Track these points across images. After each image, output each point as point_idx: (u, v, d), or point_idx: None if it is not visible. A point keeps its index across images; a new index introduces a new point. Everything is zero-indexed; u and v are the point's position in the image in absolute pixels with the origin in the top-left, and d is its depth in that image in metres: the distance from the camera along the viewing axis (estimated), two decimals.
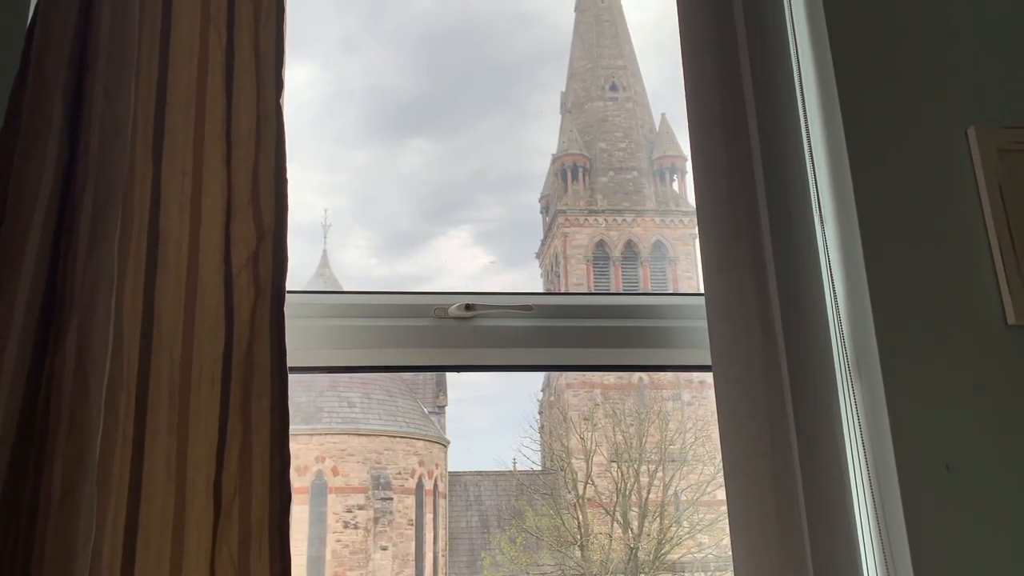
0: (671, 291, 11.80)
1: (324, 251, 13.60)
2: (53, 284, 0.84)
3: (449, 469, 12.47)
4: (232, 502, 0.85)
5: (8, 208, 0.84)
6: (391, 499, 11.13)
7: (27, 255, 0.83)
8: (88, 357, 0.80)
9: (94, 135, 0.87)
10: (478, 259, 21.01)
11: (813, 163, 1.11)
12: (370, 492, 11.11)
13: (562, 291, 13.92)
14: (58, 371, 0.79)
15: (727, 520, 0.97)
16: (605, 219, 15.63)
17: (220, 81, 0.96)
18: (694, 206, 1.10)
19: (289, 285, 0.94)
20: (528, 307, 1.14)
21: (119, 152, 0.88)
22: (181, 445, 0.86)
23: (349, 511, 11.00)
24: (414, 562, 11.23)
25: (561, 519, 10.59)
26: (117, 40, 0.91)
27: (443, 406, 12.93)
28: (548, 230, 16.50)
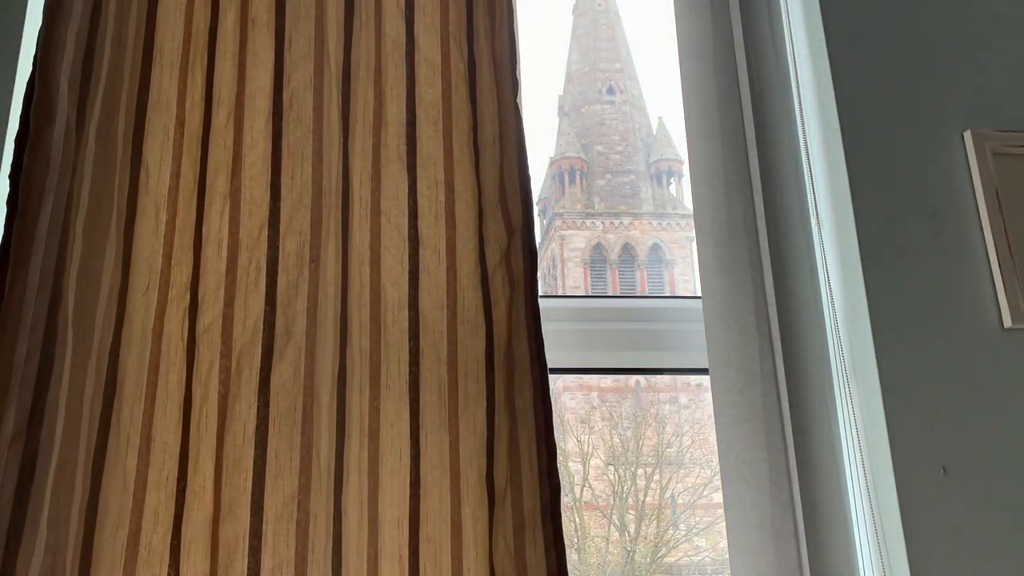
0: (668, 294, 11.79)
1: None
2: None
3: None
4: (504, 494, 0.86)
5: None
6: None
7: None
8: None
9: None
10: None
11: (810, 166, 1.11)
12: None
13: (559, 294, 13.90)
14: None
15: (724, 523, 0.97)
16: (602, 222, 15.62)
17: (464, 92, 1.01)
18: (691, 209, 1.11)
19: None
20: None
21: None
22: (453, 441, 0.89)
23: None
24: None
25: None
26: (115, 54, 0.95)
27: None
28: (545, 233, 16.51)
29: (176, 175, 0.94)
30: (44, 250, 0.85)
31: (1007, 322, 1.01)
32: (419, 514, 0.86)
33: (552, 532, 0.84)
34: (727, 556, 0.97)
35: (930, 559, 0.92)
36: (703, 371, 1.05)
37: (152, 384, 0.88)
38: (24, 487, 0.79)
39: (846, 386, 1.02)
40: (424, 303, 0.93)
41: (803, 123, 1.12)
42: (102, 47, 0.95)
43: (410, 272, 0.94)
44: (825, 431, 1.01)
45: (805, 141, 1.11)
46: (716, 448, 1.01)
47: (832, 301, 1.05)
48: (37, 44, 0.92)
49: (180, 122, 0.96)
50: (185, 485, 0.85)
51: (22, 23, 1.01)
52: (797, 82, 1.14)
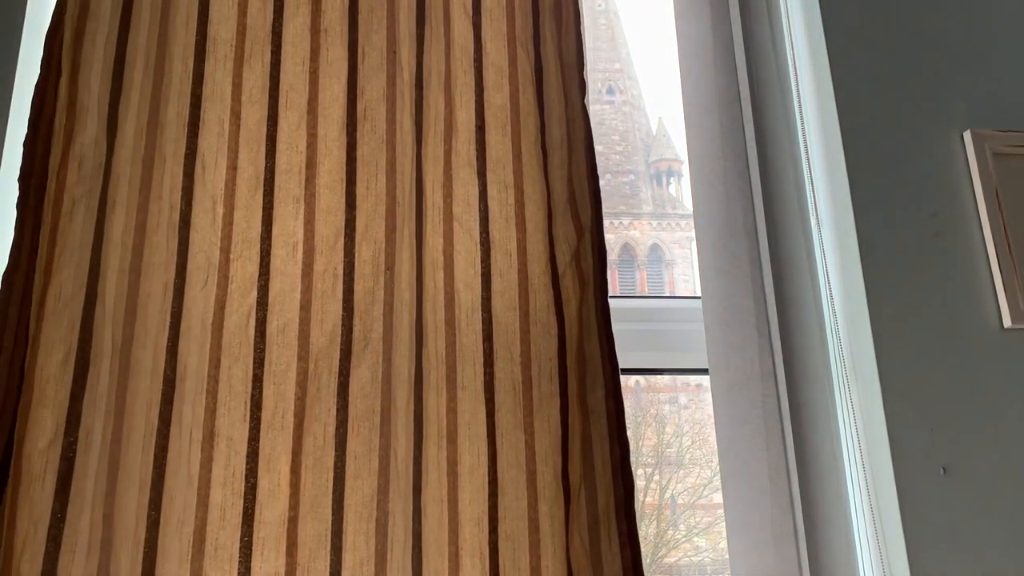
0: (668, 294, 11.79)
1: None
2: None
3: None
4: (579, 492, 0.88)
5: None
6: None
7: None
8: None
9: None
10: None
11: (810, 166, 1.11)
12: None
13: None
14: None
15: (724, 523, 0.97)
16: None
17: (531, 95, 1.02)
18: (691, 209, 1.11)
19: None
20: None
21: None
22: (528, 440, 0.90)
23: None
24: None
25: None
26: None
27: None
28: None
29: (233, 168, 0.95)
30: (77, 255, 0.87)
31: (1007, 322, 1.01)
32: (497, 512, 0.88)
33: (627, 528, 0.86)
34: (727, 556, 0.97)
35: (930, 559, 0.92)
36: (703, 371, 1.05)
37: (213, 379, 0.88)
38: (64, 486, 0.81)
39: (846, 386, 1.02)
40: (497, 305, 0.95)
41: (803, 123, 1.12)
42: (135, 47, 0.97)
43: (482, 275, 0.96)
44: (825, 431, 1.01)
45: (805, 141, 1.11)
46: (716, 448, 1.01)
47: (832, 301, 1.05)
48: (49, 50, 0.92)
49: (235, 114, 0.97)
50: (255, 483, 0.86)
51: (22, 23, 1.01)
52: (797, 82, 1.14)
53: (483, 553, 0.86)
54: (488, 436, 0.90)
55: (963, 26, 1.15)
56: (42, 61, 0.93)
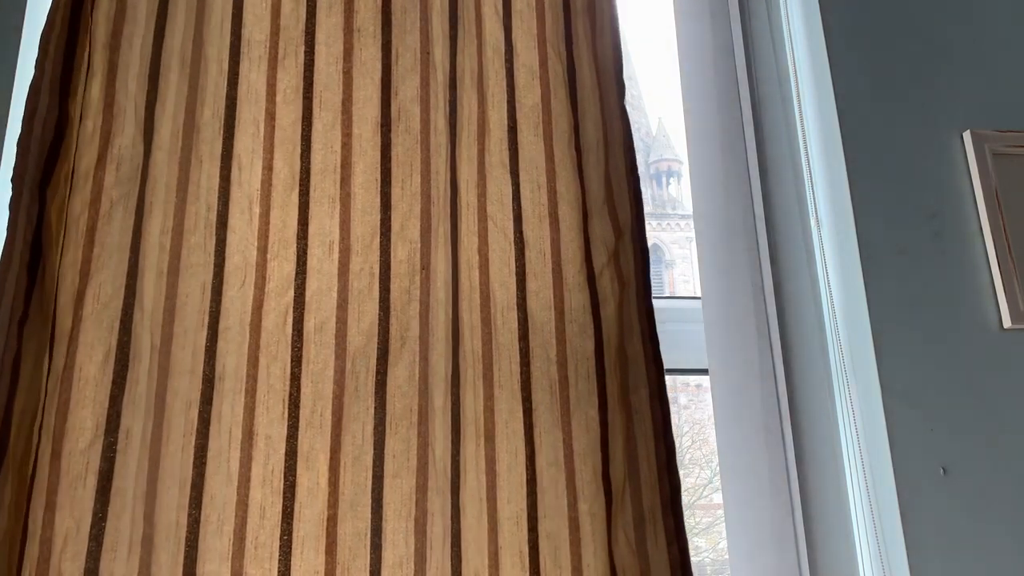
0: (668, 294, 11.79)
1: None
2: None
3: None
4: (623, 491, 0.88)
5: None
6: None
7: None
8: None
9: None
10: None
11: (809, 166, 1.11)
12: None
13: None
14: None
15: (724, 523, 0.97)
16: None
17: (563, 96, 1.02)
18: (691, 210, 1.11)
19: None
20: None
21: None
22: (566, 438, 0.90)
23: None
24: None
25: None
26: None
27: None
28: None
29: (268, 168, 0.95)
30: (116, 256, 0.88)
31: (1007, 322, 1.01)
32: (537, 511, 0.88)
33: (674, 526, 0.86)
34: (727, 556, 0.97)
35: (930, 559, 0.92)
36: (703, 371, 1.05)
37: (252, 378, 0.89)
38: (105, 486, 0.82)
39: (846, 386, 1.02)
40: (532, 304, 0.95)
41: (803, 123, 1.12)
42: (171, 50, 0.97)
43: (517, 274, 0.96)
44: (825, 431, 1.01)
45: (805, 141, 1.11)
46: (716, 448, 1.01)
47: (832, 301, 1.05)
48: (44, 50, 0.92)
49: (270, 115, 0.97)
50: (294, 481, 0.86)
51: (22, 23, 1.01)
52: (797, 82, 1.14)
53: (523, 552, 0.86)
54: (526, 435, 0.90)
55: (963, 27, 1.15)
56: (36, 61, 0.93)
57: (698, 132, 1.12)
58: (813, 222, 1.09)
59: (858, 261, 1.02)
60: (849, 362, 1.03)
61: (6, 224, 0.88)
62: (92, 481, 0.82)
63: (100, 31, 0.96)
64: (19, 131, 0.90)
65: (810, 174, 1.11)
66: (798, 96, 1.13)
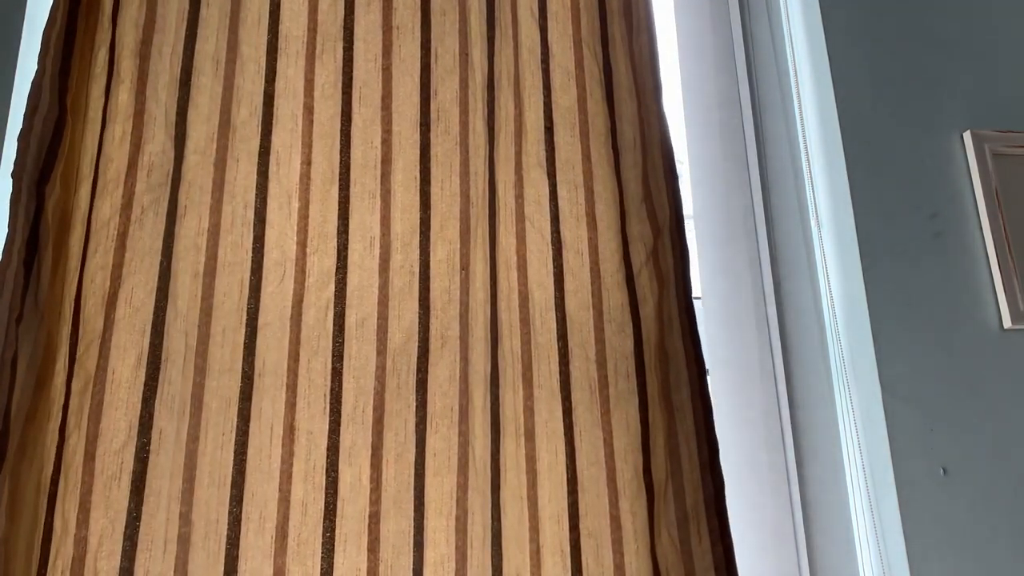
0: None
1: None
2: None
3: None
4: (665, 489, 0.88)
5: None
6: None
7: None
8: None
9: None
10: None
11: (809, 166, 1.11)
12: None
13: None
14: None
15: None
16: None
17: (599, 96, 1.02)
18: (691, 210, 1.10)
19: None
20: None
21: None
22: (607, 437, 0.91)
23: None
24: None
25: None
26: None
27: None
28: None
29: (307, 163, 0.95)
30: (148, 260, 0.89)
31: (1007, 322, 1.01)
32: (578, 509, 0.88)
33: (718, 525, 0.86)
34: None
35: (930, 559, 0.92)
36: None
37: (293, 372, 0.89)
38: (139, 486, 0.83)
39: (846, 386, 1.02)
40: (570, 304, 0.95)
41: (803, 123, 1.12)
42: (203, 55, 0.98)
43: (555, 275, 0.96)
44: (825, 431, 1.01)
45: (805, 141, 1.11)
46: None
47: (832, 301, 1.05)
48: (46, 46, 0.92)
49: (308, 109, 0.97)
50: (336, 477, 0.86)
51: (21, 23, 1.01)
52: (797, 82, 1.14)
53: (564, 550, 0.87)
54: (565, 434, 0.90)
55: (963, 26, 1.15)
56: (39, 56, 0.93)
57: (698, 132, 1.12)
58: (813, 222, 1.09)
59: (858, 261, 1.02)
60: (849, 362, 1.03)
61: (7, 220, 0.88)
62: (126, 481, 0.83)
63: (128, 38, 0.96)
64: (20, 127, 0.90)
65: (810, 174, 1.11)
66: (798, 95, 1.13)
